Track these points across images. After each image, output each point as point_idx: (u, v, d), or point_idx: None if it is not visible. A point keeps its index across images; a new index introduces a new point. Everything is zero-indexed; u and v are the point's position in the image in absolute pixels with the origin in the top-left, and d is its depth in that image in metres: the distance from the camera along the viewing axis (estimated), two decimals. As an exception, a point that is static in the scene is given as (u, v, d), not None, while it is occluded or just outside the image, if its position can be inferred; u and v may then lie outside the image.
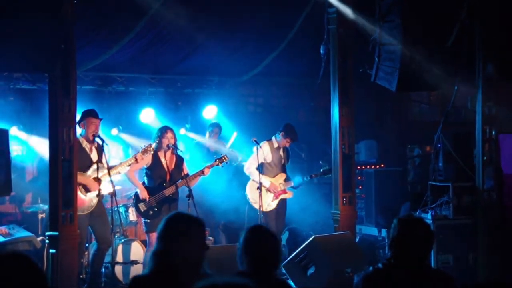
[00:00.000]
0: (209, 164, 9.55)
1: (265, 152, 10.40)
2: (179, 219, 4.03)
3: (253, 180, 10.25)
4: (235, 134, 12.38)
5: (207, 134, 12.02)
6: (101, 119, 8.99)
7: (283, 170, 10.64)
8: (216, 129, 12.06)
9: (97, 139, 8.89)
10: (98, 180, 8.82)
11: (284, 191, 10.54)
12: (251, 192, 10.35)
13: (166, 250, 3.94)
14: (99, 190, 8.79)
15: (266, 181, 10.32)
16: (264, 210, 10.20)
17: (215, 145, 11.81)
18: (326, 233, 9.71)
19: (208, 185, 10.86)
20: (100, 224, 8.93)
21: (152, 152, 9.16)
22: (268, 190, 10.36)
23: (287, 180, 10.59)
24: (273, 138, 10.54)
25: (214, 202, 11.04)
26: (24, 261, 3.05)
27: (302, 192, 11.03)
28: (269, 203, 10.38)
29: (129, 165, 9.10)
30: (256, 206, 10.12)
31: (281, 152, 10.57)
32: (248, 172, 10.36)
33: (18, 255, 3.09)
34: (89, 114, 8.88)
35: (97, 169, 8.83)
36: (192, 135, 12.30)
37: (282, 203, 10.56)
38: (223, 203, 11.04)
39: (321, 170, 10.79)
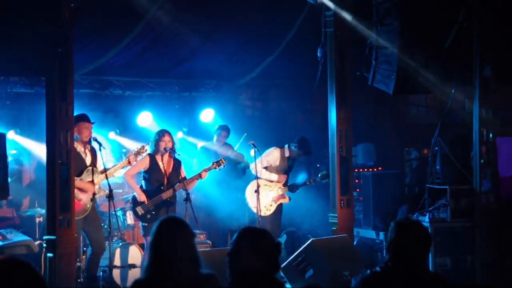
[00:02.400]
0: (206, 167, 9.53)
1: (274, 157, 10.44)
2: (164, 225, 4.15)
3: (258, 179, 10.16)
4: (245, 135, 12.01)
5: (215, 138, 11.63)
6: (93, 123, 8.98)
7: (286, 175, 10.65)
8: (223, 132, 11.63)
9: (94, 143, 8.89)
10: (92, 183, 8.82)
11: (282, 196, 10.55)
12: (250, 195, 10.34)
13: (160, 255, 4.02)
14: (94, 194, 8.78)
15: (273, 175, 10.37)
16: (263, 214, 10.19)
17: (221, 150, 11.41)
18: (324, 236, 9.71)
19: (212, 188, 10.89)
20: (94, 229, 8.92)
21: (145, 154, 9.17)
22: (277, 182, 10.37)
23: (285, 185, 10.59)
24: (286, 146, 10.53)
25: (216, 206, 11.04)
26: (23, 266, 3.04)
27: (300, 195, 11.03)
28: (268, 208, 10.38)
29: (123, 168, 9.11)
30: (255, 210, 10.13)
31: (289, 161, 10.59)
32: (254, 171, 10.31)
33: (17, 260, 3.08)
34: (81, 119, 8.82)
35: (93, 172, 8.83)
36: (192, 139, 12.25)
37: (279, 208, 10.56)
38: (227, 207, 11.01)
39: (319, 175, 10.76)
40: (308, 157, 11.06)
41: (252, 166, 10.45)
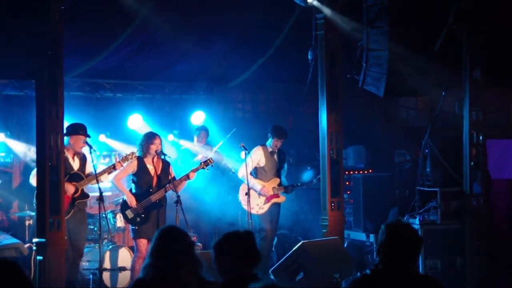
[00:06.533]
0: (194, 168, 9.52)
1: (258, 156, 10.42)
2: (165, 233, 4.34)
3: (247, 182, 10.21)
4: (233, 130, 11.95)
5: (195, 139, 11.86)
6: (89, 137, 8.99)
7: (277, 175, 10.63)
8: (203, 132, 11.87)
9: (85, 146, 8.86)
10: (73, 185, 8.78)
11: (276, 195, 10.53)
12: (242, 195, 10.35)
13: (161, 259, 4.16)
14: (74, 198, 8.75)
15: (257, 185, 10.33)
16: (255, 212, 10.19)
17: (202, 151, 11.59)
18: (315, 239, 9.71)
19: (198, 190, 10.87)
20: (77, 233, 8.84)
21: (133, 160, 9.13)
22: (263, 191, 10.37)
23: (280, 185, 10.58)
24: (267, 143, 10.56)
25: (204, 207, 11.04)
26: (10, 267, 3.04)
27: (291, 198, 11.03)
28: (261, 206, 10.37)
29: (109, 173, 9.07)
30: (245, 207, 10.13)
31: (275, 156, 10.57)
32: (241, 175, 10.34)
33: (4, 261, 3.07)
34: (80, 132, 8.86)
35: (79, 177, 8.79)
36: (182, 142, 12.24)
37: (275, 207, 10.54)
38: (214, 208, 11.01)
39: (318, 177, 10.56)
40: (285, 149, 10.97)
41: (239, 171, 10.45)
